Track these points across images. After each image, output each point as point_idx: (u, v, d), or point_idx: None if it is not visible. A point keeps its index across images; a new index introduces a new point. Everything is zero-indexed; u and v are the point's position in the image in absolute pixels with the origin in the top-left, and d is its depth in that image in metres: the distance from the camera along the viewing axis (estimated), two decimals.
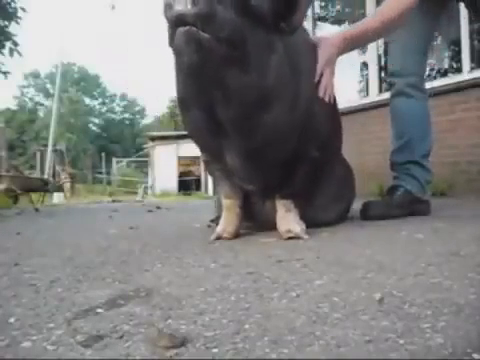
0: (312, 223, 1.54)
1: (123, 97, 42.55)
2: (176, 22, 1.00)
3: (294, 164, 1.42)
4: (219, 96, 1.14)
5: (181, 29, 1.00)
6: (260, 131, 1.21)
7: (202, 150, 1.44)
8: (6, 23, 6.42)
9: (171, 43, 1.07)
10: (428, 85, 2.23)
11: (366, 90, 5.20)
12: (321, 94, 1.43)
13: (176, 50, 1.09)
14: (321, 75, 1.44)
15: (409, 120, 2.06)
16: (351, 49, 1.62)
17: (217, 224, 1.54)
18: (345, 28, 6.29)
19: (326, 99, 1.45)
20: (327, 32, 6.07)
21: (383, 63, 4.59)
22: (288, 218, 1.43)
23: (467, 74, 3.61)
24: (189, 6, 0.97)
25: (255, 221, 1.64)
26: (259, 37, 1.13)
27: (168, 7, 1.00)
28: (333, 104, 1.60)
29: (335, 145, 1.70)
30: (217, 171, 1.49)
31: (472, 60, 3.75)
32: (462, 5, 2.07)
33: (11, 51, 6.45)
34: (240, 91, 1.13)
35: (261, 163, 1.34)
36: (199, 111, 1.21)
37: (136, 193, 13.27)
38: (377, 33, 1.67)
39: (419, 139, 2.05)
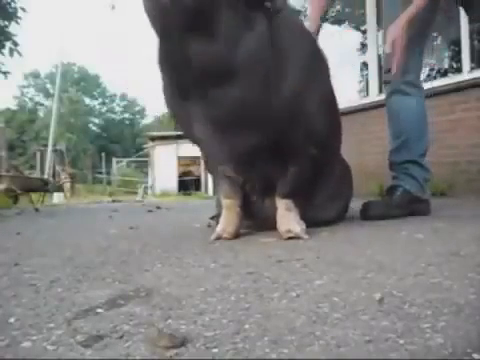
0: (312, 222, 1.54)
1: (123, 97, 42.56)
2: None
3: (288, 161, 1.41)
4: (184, 60, 1.15)
5: None
6: (223, 102, 1.20)
7: (173, 117, 1.42)
8: (6, 23, 6.42)
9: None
10: (428, 85, 2.23)
11: (366, 90, 5.20)
12: (395, 70, 1.73)
13: (144, 8, 1.12)
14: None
15: (406, 118, 2.05)
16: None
17: (217, 222, 1.54)
18: (345, 28, 6.30)
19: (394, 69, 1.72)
20: (327, 32, 6.07)
21: (382, 62, 4.58)
22: (288, 218, 1.43)
23: (467, 74, 3.61)
24: None
25: (255, 220, 1.64)
26: (236, 11, 1.15)
27: None
28: (332, 103, 1.60)
29: (334, 144, 1.70)
30: (217, 170, 1.49)
31: (472, 60, 3.75)
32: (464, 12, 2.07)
33: (11, 51, 6.45)
34: (203, 58, 1.14)
35: (231, 139, 1.30)
36: (169, 73, 1.23)
37: (136, 193, 13.27)
38: (421, 8, 1.83)
39: (416, 138, 2.04)
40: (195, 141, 1.40)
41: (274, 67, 1.25)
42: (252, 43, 1.18)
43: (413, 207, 1.99)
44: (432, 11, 2.03)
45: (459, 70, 3.99)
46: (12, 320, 0.68)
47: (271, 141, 1.32)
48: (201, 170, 14.60)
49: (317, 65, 1.49)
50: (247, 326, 0.61)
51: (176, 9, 1.06)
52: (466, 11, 2.14)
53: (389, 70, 1.80)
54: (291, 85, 1.30)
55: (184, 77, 1.18)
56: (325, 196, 1.67)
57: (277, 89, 1.27)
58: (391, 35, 1.80)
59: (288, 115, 1.32)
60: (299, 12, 5.63)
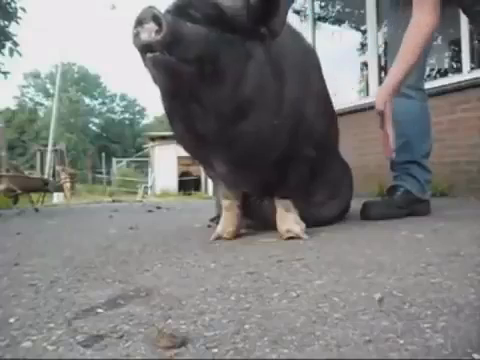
0: (312, 221, 1.54)
1: (123, 97, 42.55)
2: (143, 49, 1.03)
3: (288, 164, 1.41)
4: (197, 111, 1.15)
5: (148, 55, 1.02)
6: (241, 141, 1.20)
7: (192, 157, 1.45)
8: (6, 23, 6.41)
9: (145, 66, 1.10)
10: (428, 85, 2.23)
11: (366, 90, 5.20)
12: (391, 154, 1.64)
13: (151, 73, 1.11)
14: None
15: (408, 120, 2.06)
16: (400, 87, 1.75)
17: (217, 223, 1.54)
18: (345, 28, 6.31)
19: (389, 155, 1.65)
20: (327, 32, 6.08)
21: (383, 63, 4.59)
22: (288, 218, 1.43)
23: (467, 74, 3.61)
24: (153, 35, 0.99)
25: (254, 219, 1.64)
26: (234, 47, 1.12)
27: (135, 36, 1.03)
28: (327, 103, 1.61)
29: (331, 143, 1.70)
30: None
31: (472, 60, 3.75)
32: (461, 12, 2.06)
33: (11, 51, 6.44)
34: (216, 105, 1.13)
35: (247, 170, 1.34)
36: (182, 124, 1.22)
37: (136, 193, 13.27)
38: (414, 67, 1.75)
39: (419, 139, 2.05)
40: (212, 171, 1.42)
41: (277, 83, 1.24)
42: (256, 75, 1.17)
43: (413, 207, 1.99)
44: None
45: (459, 70, 3.99)
46: (12, 320, 0.68)
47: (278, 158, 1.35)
48: (201, 170, 14.59)
49: (309, 67, 1.48)
50: (247, 326, 0.61)
51: (180, 66, 1.04)
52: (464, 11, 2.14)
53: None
54: (292, 104, 1.30)
55: (197, 124, 1.17)
56: (324, 195, 1.68)
57: (283, 105, 1.26)
58: (379, 104, 1.66)
59: (293, 128, 1.33)
60: (298, 12, 5.63)
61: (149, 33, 1.00)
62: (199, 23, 1.05)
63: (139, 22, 1.02)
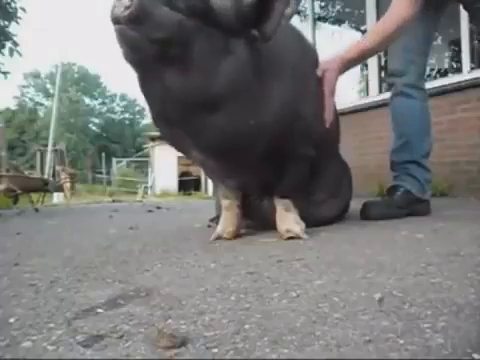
0: (312, 221, 1.54)
1: (123, 97, 42.55)
2: (113, 22, 1.07)
3: (285, 162, 1.41)
4: (162, 93, 1.16)
5: (115, 27, 1.06)
6: (209, 133, 1.20)
7: (167, 141, 1.41)
8: (6, 23, 6.41)
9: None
10: (428, 85, 2.23)
11: (366, 90, 5.20)
12: (328, 125, 1.50)
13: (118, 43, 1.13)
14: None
15: (409, 120, 2.06)
16: (352, 68, 1.66)
17: (217, 223, 1.54)
18: (345, 28, 6.31)
19: (327, 125, 1.50)
20: (327, 32, 6.08)
21: (383, 63, 4.59)
22: (287, 218, 1.43)
23: (467, 74, 3.61)
24: (122, 9, 1.04)
25: (254, 219, 1.64)
26: (211, 40, 1.12)
27: (111, 9, 1.07)
28: (316, 99, 1.60)
29: (330, 143, 1.69)
30: None
31: (472, 60, 3.75)
32: (462, 8, 2.06)
33: (11, 51, 6.44)
34: (181, 92, 1.13)
35: (231, 162, 1.32)
36: (152, 103, 1.24)
37: (136, 193, 13.27)
38: (378, 49, 1.73)
39: (419, 139, 2.05)
40: (192, 159, 1.40)
41: (262, 81, 1.23)
42: (234, 72, 1.16)
43: (413, 207, 1.99)
44: (436, 13, 2.03)
45: (459, 70, 3.99)
46: (12, 320, 0.68)
47: (267, 155, 1.33)
48: (201, 170, 14.57)
49: (309, 66, 1.48)
50: (247, 326, 0.61)
51: (146, 43, 1.07)
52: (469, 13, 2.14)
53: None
54: (283, 104, 1.29)
55: (165, 107, 1.18)
56: (324, 195, 1.67)
57: (268, 104, 1.25)
58: (321, 68, 1.52)
59: (282, 127, 1.32)
60: (299, 12, 5.62)
61: (120, 7, 1.04)
62: (178, 11, 1.07)
63: None
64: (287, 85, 1.30)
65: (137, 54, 1.11)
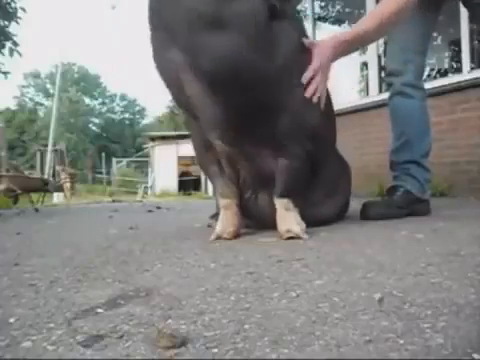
0: (311, 220, 1.54)
1: (123, 97, 42.56)
2: None
3: (283, 153, 1.41)
4: (175, 3, 1.20)
5: None
6: (210, 50, 1.22)
7: (163, 82, 1.38)
8: (6, 23, 6.41)
9: None
10: (428, 85, 2.23)
11: (366, 90, 5.21)
12: (307, 95, 1.40)
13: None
14: (311, 78, 1.41)
15: (408, 120, 2.06)
16: (348, 52, 1.58)
17: (216, 220, 1.54)
18: (345, 28, 6.30)
19: (314, 100, 1.42)
20: (327, 32, 6.08)
21: (383, 63, 4.59)
22: (288, 218, 1.43)
23: (467, 74, 3.62)
24: None
25: (254, 220, 1.64)
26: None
27: None
28: (328, 99, 1.60)
29: (329, 140, 1.69)
30: (212, 169, 1.50)
31: (472, 60, 3.76)
32: (462, 5, 2.06)
33: (11, 51, 6.45)
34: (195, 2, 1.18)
35: (218, 96, 1.29)
36: (158, 19, 1.25)
37: (136, 193, 13.27)
38: (375, 34, 1.63)
39: (418, 139, 2.05)
40: (185, 107, 1.39)
41: (269, 40, 1.28)
42: (246, 4, 1.22)
43: (413, 207, 1.99)
44: (434, 11, 2.03)
45: (459, 70, 4.00)
46: (12, 320, 0.68)
47: (261, 107, 1.33)
48: (201, 170, 14.55)
49: (304, 59, 1.49)
50: (247, 326, 0.61)
51: None
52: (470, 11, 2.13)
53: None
54: (284, 54, 1.33)
55: (173, 22, 1.20)
56: (323, 194, 1.67)
57: (270, 55, 1.29)
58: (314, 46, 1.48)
59: (279, 86, 1.34)
60: (299, 12, 5.62)
61: None
62: None
63: None
64: (290, 47, 1.36)
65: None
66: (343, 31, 1.63)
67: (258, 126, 1.36)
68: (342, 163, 1.87)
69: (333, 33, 1.62)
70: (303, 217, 1.46)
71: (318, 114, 1.49)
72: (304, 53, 1.44)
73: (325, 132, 1.61)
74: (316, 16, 5.66)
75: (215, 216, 1.77)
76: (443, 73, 5.53)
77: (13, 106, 36.77)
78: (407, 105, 2.05)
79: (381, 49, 4.73)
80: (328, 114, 1.65)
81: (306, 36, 1.54)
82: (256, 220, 1.64)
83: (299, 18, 1.52)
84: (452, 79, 3.82)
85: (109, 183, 19.93)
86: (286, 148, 1.41)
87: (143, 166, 20.81)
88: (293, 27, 1.41)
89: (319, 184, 1.63)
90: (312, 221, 1.56)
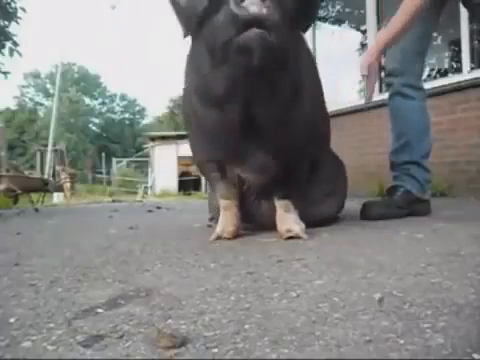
0: (311, 220, 1.54)
1: (123, 97, 42.55)
2: (249, 22, 0.99)
3: (287, 161, 1.41)
4: (260, 94, 1.16)
5: (255, 31, 0.99)
6: (290, 126, 1.26)
7: (211, 149, 1.39)
8: (6, 23, 6.41)
9: (227, 37, 1.05)
10: (428, 85, 2.23)
11: (366, 90, 5.20)
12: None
13: (239, 48, 1.05)
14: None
15: (407, 120, 2.06)
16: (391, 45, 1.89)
17: (216, 222, 1.54)
18: (345, 28, 6.31)
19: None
20: (327, 32, 6.08)
21: (383, 63, 4.59)
22: (288, 218, 1.43)
23: (467, 74, 3.61)
24: (264, 10, 0.97)
25: (254, 220, 1.64)
26: (291, 35, 1.16)
27: (238, 5, 0.98)
28: (321, 98, 1.61)
29: (324, 141, 1.71)
30: (213, 173, 1.48)
31: (472, 60, 3.75)
32: (462, 5, 2.06)
33: (11, 51, 6.44)
34: (282, 88, 1.17)
35: (282, 158, 1.36)
36: (234, 108, 1.18)
37: (136, 193, 13.27)
38: (409, 26, 1.84)
39: (418, 139, 2.05)
40: (231, 166, 1.44)
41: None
42: (303, 62, 1.26)
43: (413, 207, 1.99)
44: (435, 12, 2.03)
45: (459, 70, 4.00)
46: (12, 320, 0.68)
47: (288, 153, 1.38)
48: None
49: (307, 64, 1.49)
50: (247, 326, 0.61)
51: (276, 49, 1.03)
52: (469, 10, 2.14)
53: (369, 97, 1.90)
54: (310, 95, 1.35)
55: (261, 108, 1.18)
56: (321, 193, 1.67)
57: (310, 101, 1.33)
58: (365, 60, 1.84)
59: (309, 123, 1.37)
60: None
61: (259, 7, 0.96)
62: (277, 10, 1.05)
63: None
64: (309, 84, 1.37)
65: (267, 60, 1.05)
66: (379, 35, 1.91)
67: (271, 142, 1.36)
68: (338, 162, 1.88)
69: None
70: (302, 217, 1.46)
71: (317, 118, 1.51)
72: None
73: (322, 134, 1.63)
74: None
75: (213, 219, 1.78)
76: (443, 73, 5.52)
77: (13, 106, 36.79)
78: (407, 105, 2.05)
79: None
80: (324, 115, 1.67)
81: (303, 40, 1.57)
82: (257, 222, 1.65)
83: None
84: (452, 79, 3.82)
85: (109, 183, 19.92)
86: (294, 155, 1.42)
87: (143, 166, 20.80)
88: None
89: (316, 183, 1.64)
90: (311, 220, 1.56)
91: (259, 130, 1.23)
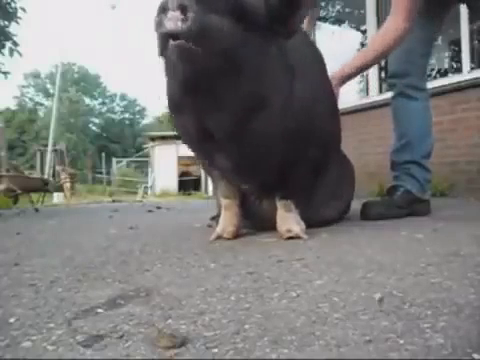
0: (312, 221, 1.54)
1: (123, 97, 42.55)
2: (167, 38, 1.01)
3: (290, 165, 1.41)
4: (211, 104, 1.14)
5: (173, 42, 1.01)
6: (251, 137, 1.20)
7: (193, 152, 1.44)
8: (6, 23, 6.42)
9: (162, 53, 1.07)
10: (428, 85, 2.24)
11: (366, 90, 5.20)
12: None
13: (169, 62, 1.09)
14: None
15: (410, 121, 2.06)
16: (346, 82, 1.84)
17: (217, 222, 1.54)
18: (345, 29, 6.31)
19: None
20: (327, 32, 6.08)
21: (383, 63, 4.59)
22: (288, 218, 1.43)
23: (467, 74, 3.62)
24: (179, 23, 0.98)
25: (254, 220, 1.64)
26: (254, 43, 1.12)
27: (158, 23, 1.01)
28: (332, 100, 1.60)
29: (334, 143, 1.69)
30: (214, 171, 1.49)
31: (472, 60, 3.76)
32: (462, 5, 2.07)
33: (11, 51, 6.45)
34: (233, 99, 1.12)
35: (254, 166, 1.33)
36: (190, 117, 1.21)
37: (136, 193, 13.27)
38: (371, 65, 1.88)
39: (420, 139, 2.05)
40: (218, 169, 1.42)
41: (290, 82, 1.25)
42: (272, 72, 1.17)
43: (413, 207, 1.99)
44: (440, 15, 2.03)
45: (459, 70, 4.00)
46: (12, 320, 0.68)
47: (285, 155, 1.34)
48: (201, 170, 14.57)
49: (315, 63, 1.48)
50: (247, 326, 0.61)
51: (204, 58, 1.03)
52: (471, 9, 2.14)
53: None
54: (300, 102, 1.29)
55: (211, 120, 1.16)
56: (325, 195, 1.67)
57: (288, 109, 1.25)
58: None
59: (305, 128, 1.33)
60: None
61: (175, 21, 0.98)
62: (222, 15, 1.04)
63: (162, 9, 1.00)
64: (303, 84, 1.31)
65: (196, 70, 1.06)
66: (347, 63, 1.82)
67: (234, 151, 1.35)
68: (346, 164, 1.87)
69: (339, 66, 1.82)
70: (306, 218, 1.46)
71: (328, 121, 1.50)
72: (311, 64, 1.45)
73: (329, 136, 1.61)
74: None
75: (215, 218, 1.78)
76: (443, 73, 5.53)
77: (13, 106, 36.78)
78: (409, 106, 2.05)
79: None
80: (336, 117, 1.65)
81: (308, 39, 1.55)
82: (258, 222, 1.64)
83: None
84: (452, 79, 3.82)
85: (109, 183, 19.92)
86: (297, 157, 1.41)
87: (143, 166, 20.80)
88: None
89: (322, 186, 1.63)
90: (315, 222, 1.56)
91: (219, 138, 1.21)
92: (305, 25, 2.04)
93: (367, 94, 4.99)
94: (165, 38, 1.02)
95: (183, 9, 0.98)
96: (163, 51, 1.06)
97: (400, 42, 1.79)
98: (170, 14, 0.99)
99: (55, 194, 8.45)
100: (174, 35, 1.00)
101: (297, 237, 1.39)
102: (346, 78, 1.79)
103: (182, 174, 16.37)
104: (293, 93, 1.26)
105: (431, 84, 3.64)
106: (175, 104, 1.23)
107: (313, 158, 1.43)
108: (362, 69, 1.84)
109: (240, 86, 1.12)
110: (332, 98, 1.62)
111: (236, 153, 1.25)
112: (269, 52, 1.17)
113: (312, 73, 1.40)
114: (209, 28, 1.01)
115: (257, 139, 1.21)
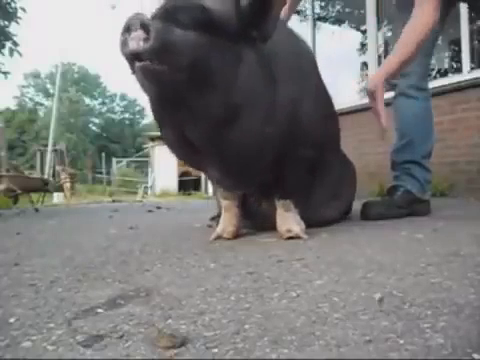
0: (312, 221, 1.54)
1: (123, 97, 42.54)
2: (131, 58, 1.02)
3: (284, 165, 1.40)
4: (187, 118, 1.13)
5: (137, 65, 1.01)
6: (231, 147, 1.19)
7: (185, 163, 1.44)
8: (6, 23, 6.42)
9: (132, 72, 1.08)
10: (428, 85, 2.23)
11: (366, 90, 5.20)
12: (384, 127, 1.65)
13: (139, 81, 1.09)
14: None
15: (411, 121, 2.06)
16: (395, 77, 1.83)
17: (217, 222, 1.54)
18: (345, 29, 6.31)
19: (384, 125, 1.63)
20: (327, 32, 6.08)
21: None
22: (288, 218, 1.43)
23: (467, 74, 3.62)
24: (141, 43, 0.98)
25: (254, 220, 1.64)
26: (224, 52, 1.10)
27: (123, 43, 1.01)
28: (325, 101, 1.59)
29: (332, 143, 1.68)
30: None
31: (472, 60, 3.76)
32: (462, 4, 2.07)
33: (11, 51, 6.45)
34: (206, 111, 1.12)
35: (240, 173, 1.33)
36: (172, 131, 1.21)
37: (136, 193, 13.26)
38: (411, 60, 1.79)
39: (421, 139, 2.05)
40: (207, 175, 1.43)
41: (269, 86, 1.22)
42: (247, 79, 1.15)
43: (413, 207, 1.99)
44: (442, 14, 2.03)
45: (459, 70, 4.00)
46: (12, 320, 0.68)
47: (273, 158, 1.33)
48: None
49: (304, 66, 1.47)
50: (247, 326, 0.61)
51: (174, 74, 1.03)
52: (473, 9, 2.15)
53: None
54: (285, 106, 1.27)
55: (189, 133, 1.16)
56: (325, 195, 1.67)
57: (276, 109, 1.24)
58: (371, 85, 1.72)
59: (289, 131, 1.31)
60: (299, 12, 5.62)
61: (137, 41, 0.98)
62: (188, 29, 1.03)
63: (127, 29, 1.00)
64: (286, 88, 1.28)
65: (164, 87, 1.06)
66: (387, 62, 1.78)
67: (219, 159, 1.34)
68: (347, 165, 1.87)
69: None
70: (306, 218, 1.46)
71: (324, 122, 1.49)
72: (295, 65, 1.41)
73: (323, 136, 1.60)
74: (316, 16, 5.66)
75: (215, 218, 1.78)
76: (443, 73, 5.53)
77: (13, 106, 36.75)
78: (411, 107, 2.05)
79: (381, 49, 4.73)
80: (331, 117, 1.65)
81: (298, 40, 1.52)
82: (258, 222, 1.64)
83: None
84: (452, 79, 3.82)
85: (109, 183, 19.91)
86: (293, 158, 1.41)
87: (143, 166, 20.78)
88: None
89: (323, 186, 1.63)
90: (315, 222, 1.56)
91: (202, 149, 1.21)
92: (283, 13, 2.00)
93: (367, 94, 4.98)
94: (130, 59, 1.02)
95: (145, 28, 0.97)
96: (132, 71, 1.06)
97: (427, 36, 1.74)
98: (133, 34, 0.98)
99: (55, 194, 8.45)
100: (138, 55, 0.99)
101: (297, 237, 1.39)
102: (389, 79, 1.77)
103: (182, 174, 16.35)
104: (274, 98, 1.23)
105: (431, 84, 3.63)
106: (156, 119, 1.24)
107: (306, 158, 1.42)
108: (402, 68, 1.79)
109: (211, 97, 1.10)
110: (324, 97, 1.60)
111: (220, 163, 1.25)
112: (243, 59, 1.14)
113: (298, 74, 1.37)
114: (172, 44, 1.00)
115: (237, 148, 1.20)
